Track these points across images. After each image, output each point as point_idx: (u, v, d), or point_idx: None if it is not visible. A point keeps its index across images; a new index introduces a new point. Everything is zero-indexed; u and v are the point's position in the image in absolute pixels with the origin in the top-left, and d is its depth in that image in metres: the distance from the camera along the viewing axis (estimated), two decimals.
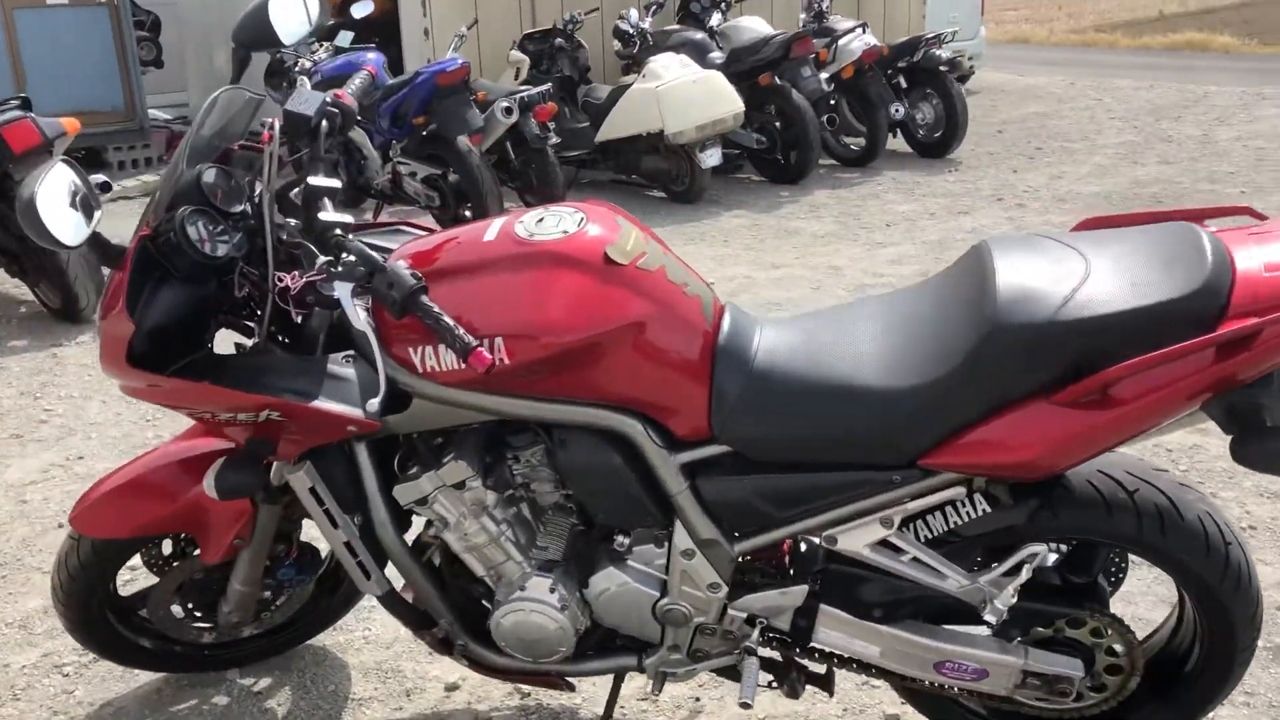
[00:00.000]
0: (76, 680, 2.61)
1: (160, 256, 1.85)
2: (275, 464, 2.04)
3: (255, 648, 2.58)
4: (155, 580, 2.40)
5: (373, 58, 6.76)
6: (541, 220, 1.87)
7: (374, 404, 1.81)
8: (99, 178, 5.05)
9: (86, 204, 1.86)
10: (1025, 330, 1.65)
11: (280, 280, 1.90)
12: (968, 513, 1.87)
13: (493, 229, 1.89)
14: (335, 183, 1.94)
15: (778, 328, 1.94)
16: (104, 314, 1.88)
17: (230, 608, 2.33)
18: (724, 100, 6.99)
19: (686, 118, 6.82)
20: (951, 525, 1.88)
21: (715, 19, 8.54)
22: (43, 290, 5.25)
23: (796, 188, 7.63)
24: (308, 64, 6.92)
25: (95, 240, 1.86)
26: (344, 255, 1.78)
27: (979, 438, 1.71)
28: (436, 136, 6.21)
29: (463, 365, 1.76)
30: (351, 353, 1.94)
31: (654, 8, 8.43)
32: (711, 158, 7.07)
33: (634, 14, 8.23)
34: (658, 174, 7.34)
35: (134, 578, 2.79)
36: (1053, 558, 2.00)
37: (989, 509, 1.85)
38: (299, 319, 1.98)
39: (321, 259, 1.84)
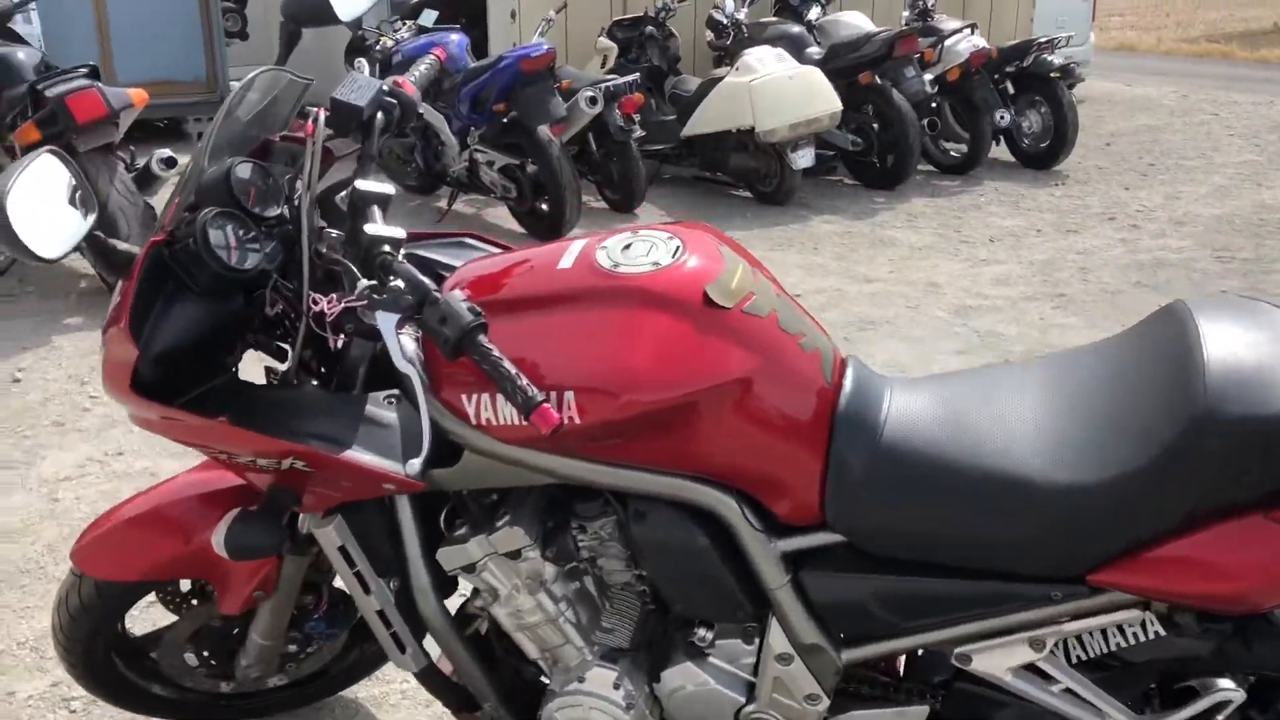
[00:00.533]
0: (84, 718, 2.35)
1: (176, 266, 1.55)
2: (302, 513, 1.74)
3: (280, 698, 2.29)
4: (171, 618, 2.13)
5: (456, 39, 6.49)
6: (629, 247, 1.54)
7: (415, 465, 1.49)
8: (164, 152, 4.88)
9: (86, 201, 1.56)
10: (1245, 425, 1.29)
11: (316, 303, 1.59)
12: (1135, 634, 1.51)
13: (570, 254, 1.56)
14: (388, 188, 1.63)
15: (912, 390, 1.59)
16: (106, 328, 1.59)
17: (249, 661, 2.04)
18: (820, 98, 6.59)
19: (780, 115, 6.43)
20: (1113, 647, 1.53)
21: (814, 13, 8.13)
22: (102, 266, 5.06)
23: (892, 194, 7.20)
24: (389, 42, 6.70)
25: (96, 244, 1.57)
26: (390, 279, 1.47)
27: (1171, 555, 1.35)
28: (516, 125, 5.91)
29: (524, 421, 1.43)
30: (396, 391, 1.63)
31: None
32: (804, 158, 6.66)
33: (729, 4, 7.84)
34: (745, 173, 6.97)
35: (150, 602, 2.52)
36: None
37: (1163, 632, 1.49)
38: (338, 346, 1.68)
39: (364, 282, 1.52)
